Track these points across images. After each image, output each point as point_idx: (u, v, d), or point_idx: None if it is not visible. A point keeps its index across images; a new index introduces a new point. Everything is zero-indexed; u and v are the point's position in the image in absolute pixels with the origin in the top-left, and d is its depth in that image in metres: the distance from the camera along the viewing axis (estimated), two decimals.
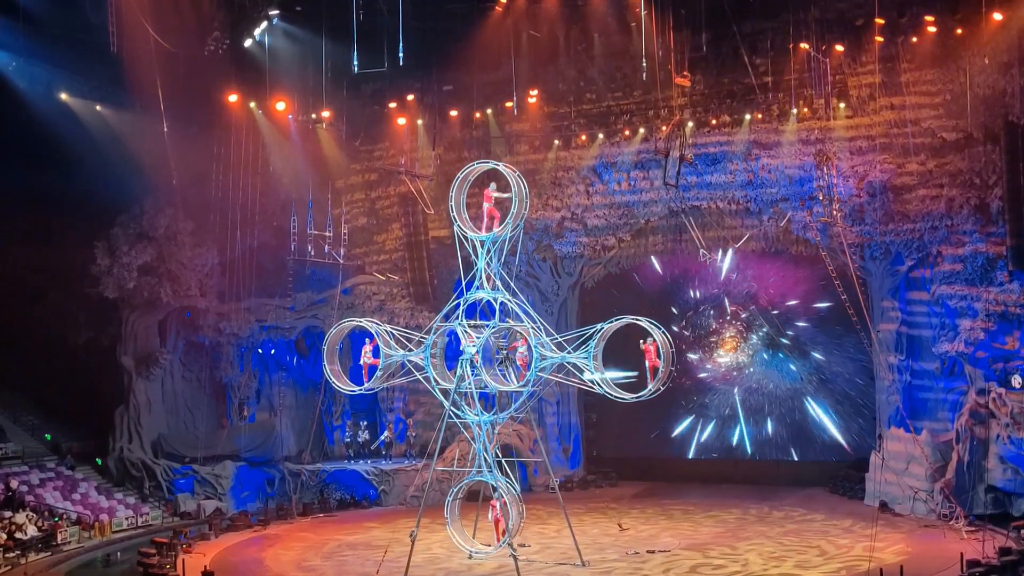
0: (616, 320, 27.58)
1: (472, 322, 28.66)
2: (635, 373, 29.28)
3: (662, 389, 27.11)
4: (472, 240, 28.60)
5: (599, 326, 27.51)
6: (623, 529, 33.55)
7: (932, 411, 36.56)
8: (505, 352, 28.45)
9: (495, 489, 28.06)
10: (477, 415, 28.65)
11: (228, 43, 38.46)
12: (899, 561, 26.54)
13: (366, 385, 29.77)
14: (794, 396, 42.52)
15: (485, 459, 28.22)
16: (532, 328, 27.83)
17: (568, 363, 27.76)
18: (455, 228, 28.73)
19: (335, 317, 42.25)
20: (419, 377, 29.12)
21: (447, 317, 29.12)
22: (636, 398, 27.30)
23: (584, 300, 45.14)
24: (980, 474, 33.11)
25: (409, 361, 29.06)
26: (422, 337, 29.19)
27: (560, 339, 28.38)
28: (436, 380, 28.79)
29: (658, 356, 26.99)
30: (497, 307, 28.60)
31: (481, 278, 28.67)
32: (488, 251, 28.50)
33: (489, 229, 28.19)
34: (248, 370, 44.72)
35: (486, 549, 28.98)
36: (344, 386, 29.85)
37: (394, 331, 29.65)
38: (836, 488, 39.21)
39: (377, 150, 44.98)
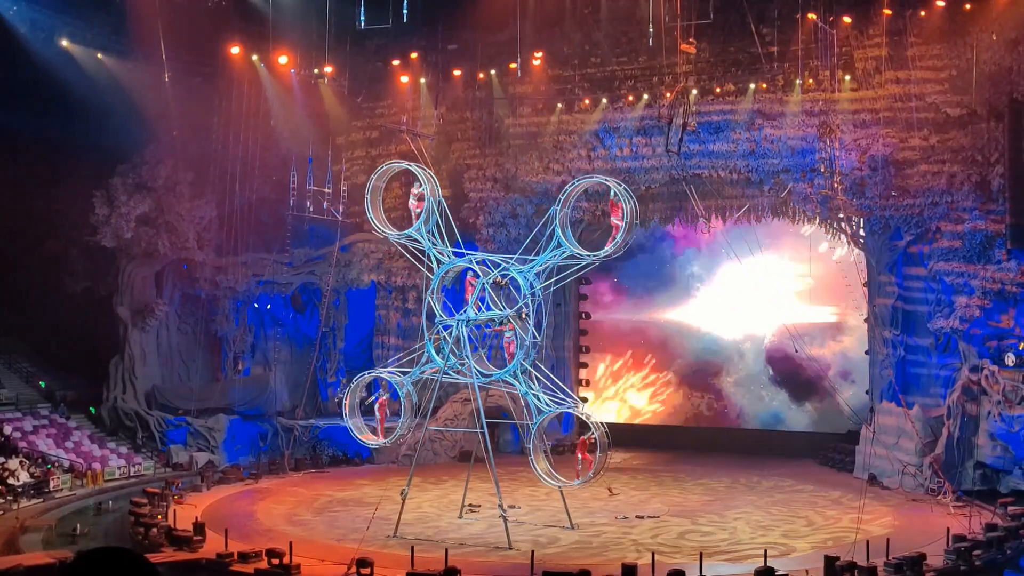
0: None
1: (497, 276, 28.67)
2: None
3: (592, 477, 27.92)
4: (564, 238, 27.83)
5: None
6: (613, 494, 33.72)
7: (924, 386, 36.67)
8: (505, 282, 28.55)
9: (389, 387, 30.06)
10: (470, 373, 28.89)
11: None
12: (886, 534, 26.68)
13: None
14: (787, 368, 42.59)
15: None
16: (533, 339, 28.24)
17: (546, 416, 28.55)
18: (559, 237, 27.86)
19: (332, 274, 42.41)
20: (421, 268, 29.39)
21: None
22: (565, 484, 28.38)
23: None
24: (970, 450, 33.27)
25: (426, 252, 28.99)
26: (446, 254, 29.15)
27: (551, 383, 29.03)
28: (434, 296, 29.03)
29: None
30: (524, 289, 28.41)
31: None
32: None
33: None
34: (244, 324, 44.76)
35: (374, 440, 30.50)
36: (384, 228, 29.48)
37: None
38: (826, 460, 39.36)
39: (379, 108, 44.75)
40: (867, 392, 39.13)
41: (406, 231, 29.42)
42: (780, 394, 42.93)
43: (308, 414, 43.21)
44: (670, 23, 34.86)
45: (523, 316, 28.27)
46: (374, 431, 30.69)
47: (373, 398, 43.43)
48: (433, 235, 28.93)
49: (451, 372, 29.06)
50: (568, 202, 27.92)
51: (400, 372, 30.00)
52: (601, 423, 28.15)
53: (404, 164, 30.22)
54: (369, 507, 29.70)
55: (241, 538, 26.85)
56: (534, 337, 28.31)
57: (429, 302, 29.23)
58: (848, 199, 36.57)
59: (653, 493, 34.37)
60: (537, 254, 28.20)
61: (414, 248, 29.44)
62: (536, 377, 28.83)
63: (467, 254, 29.55)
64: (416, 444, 34.16)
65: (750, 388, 43.49)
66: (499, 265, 28.75)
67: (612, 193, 27.39)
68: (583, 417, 28.77)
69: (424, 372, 29.60)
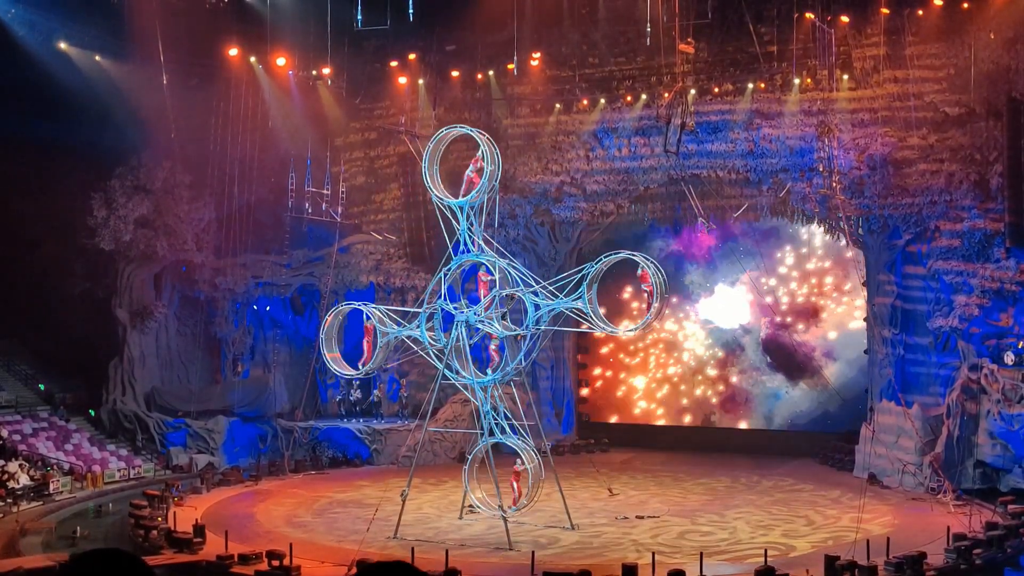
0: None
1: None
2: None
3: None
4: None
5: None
6: (613, 494, 33.71)
7: (924, 385, 36.63)
8: (505, 311, 28.60)
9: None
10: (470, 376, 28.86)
11: None
12: (886, 533, 26.68)
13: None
14: (781, 354, 42.76)
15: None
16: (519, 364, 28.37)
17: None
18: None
19: (331, 275, 42.38)
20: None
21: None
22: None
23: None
24: (969, 449, 33.23)
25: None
26: (477, 238, 29.08)
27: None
28: (446, 277, 29.06)
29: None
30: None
31: None
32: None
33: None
34: (243, 326, 44.73)
35: (346, 369, 30.48)
36: (438, 192, 29.18)
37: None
38: (826, 459, 39.34)
39: (377, 109, 44.74)
40: (866, 391, 39.12)
41: (451, 200, 28.88)
42: (777, 377, 43.25)
43: (308, 416, 43.18)
44: (668, 23, 34.84)
45: (518, 339, 28.31)
46: (349, 361, 30.60)
47: (371, 398, 43.90)
48: (473, 212, 28.76)
49: (445, 369, 29.01)
50: (608, 262, 27.41)
51: (388, 317, 29.79)
52: (536, 454, 28.48)
53: (467, 129, 29.76)
54: (369, 508, 29.70)
55: (241, 540, 26.85)
56: (520, 363, 28.35)
57: (439, 279, 29.15)
58: (847, 198, 36.56)
59: (653, 493, 34.36)
60: (560, 288, 27.96)
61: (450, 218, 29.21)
62: (506, 406, 28.93)
63: (485, 248, 29.25)
64: (416, 445, 34.17)
65: (752, 375, 43.76)
66: (517, 283, 28.47)
67: (641, 268, 27.03)
68: (518, 449, 28.64)
69: (405, 334, 29.46)
